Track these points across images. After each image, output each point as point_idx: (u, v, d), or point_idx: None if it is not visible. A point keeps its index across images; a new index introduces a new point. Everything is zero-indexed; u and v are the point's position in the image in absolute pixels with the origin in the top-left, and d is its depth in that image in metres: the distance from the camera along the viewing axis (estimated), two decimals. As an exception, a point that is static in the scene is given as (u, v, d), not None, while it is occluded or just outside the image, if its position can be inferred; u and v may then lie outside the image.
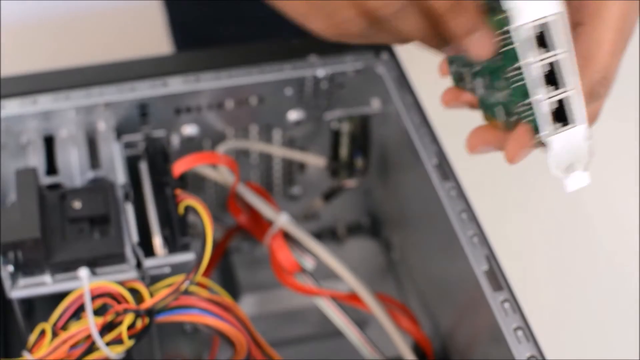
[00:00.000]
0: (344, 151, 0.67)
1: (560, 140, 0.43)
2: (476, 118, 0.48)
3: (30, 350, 0.51)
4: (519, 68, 0.43)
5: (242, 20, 0.88)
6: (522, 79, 0.43)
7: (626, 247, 0.73)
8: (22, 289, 0.52)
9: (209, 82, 0.63)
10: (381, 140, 0.67)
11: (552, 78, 0.42)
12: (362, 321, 0.63)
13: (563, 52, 0.42)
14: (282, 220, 0.61)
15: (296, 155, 0.68)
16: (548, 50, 0.42)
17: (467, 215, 0.55)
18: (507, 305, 0.51)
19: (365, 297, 0.60)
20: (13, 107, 0.60)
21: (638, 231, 0.73)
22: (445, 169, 0.58)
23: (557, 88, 0.42)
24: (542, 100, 0.42)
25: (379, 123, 0.66)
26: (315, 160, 0.68)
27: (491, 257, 0.53)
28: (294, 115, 0.66)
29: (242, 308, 0.55)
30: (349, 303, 0.61)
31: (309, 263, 0.60)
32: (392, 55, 0.65)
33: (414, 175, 0.61)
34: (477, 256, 0.53)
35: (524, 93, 0.43)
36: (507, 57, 0.44)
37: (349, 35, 0.49)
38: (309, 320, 0.68)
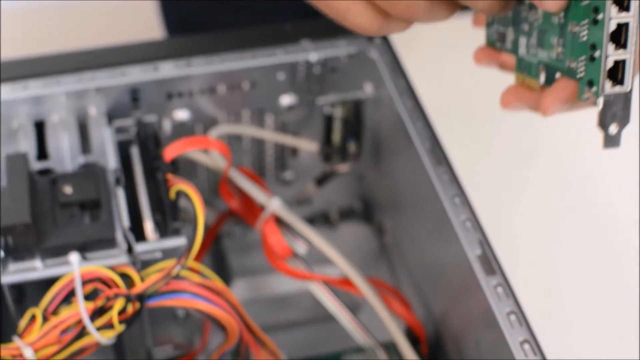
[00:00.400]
0: (336, 136, 0.67)
1: (611, 97, 0.45)
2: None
3: (21, 336, 0.51)
4: (589, 23, 0.45)
5: (234, 7, 0.88)
6: (586, 35, 0.45)
7: (622, 234, 0.73)
8: (12, 274, 0.51)
9: (201, 67, 0.62)
10: (374, 125, 0.67)
11: (617, 39, 0.44)
12: (354, 306, 0.63)
13: (635, 16, 0.44)
14: (274, 205, 0.60)
15: (288, 140, 0.68)
16: (624, 11, 0.44)
17: (460, 199, 0.55)
18: (500, 289, 0.51)
19: (358, 281, 0.60)
20: (4, 92, 0.60)
21: (638, 218, 0.73)
22: (438, 154, 0.58)
23: (621, 48, 0.44)
24: (610, 56, 0.44)
25: (371, 108, 0.66)
26: (308, 145, 0.68)
27: (484, 242, 0.53)
28: (286, 100, 0.66)
29: (233, 293, 0.55)
30: (341, 288, 0.61)
31: (301, 248, 0.60)
32: (385, 39, 0.65)
33: (406, 160, 0.61)
34: (470, 240, 0.53)
35: (583, 49, 0.46)
36: (574, 12, 0.46)
37: (397, 25, 0.48)
38: (301, 305, 0.68)
